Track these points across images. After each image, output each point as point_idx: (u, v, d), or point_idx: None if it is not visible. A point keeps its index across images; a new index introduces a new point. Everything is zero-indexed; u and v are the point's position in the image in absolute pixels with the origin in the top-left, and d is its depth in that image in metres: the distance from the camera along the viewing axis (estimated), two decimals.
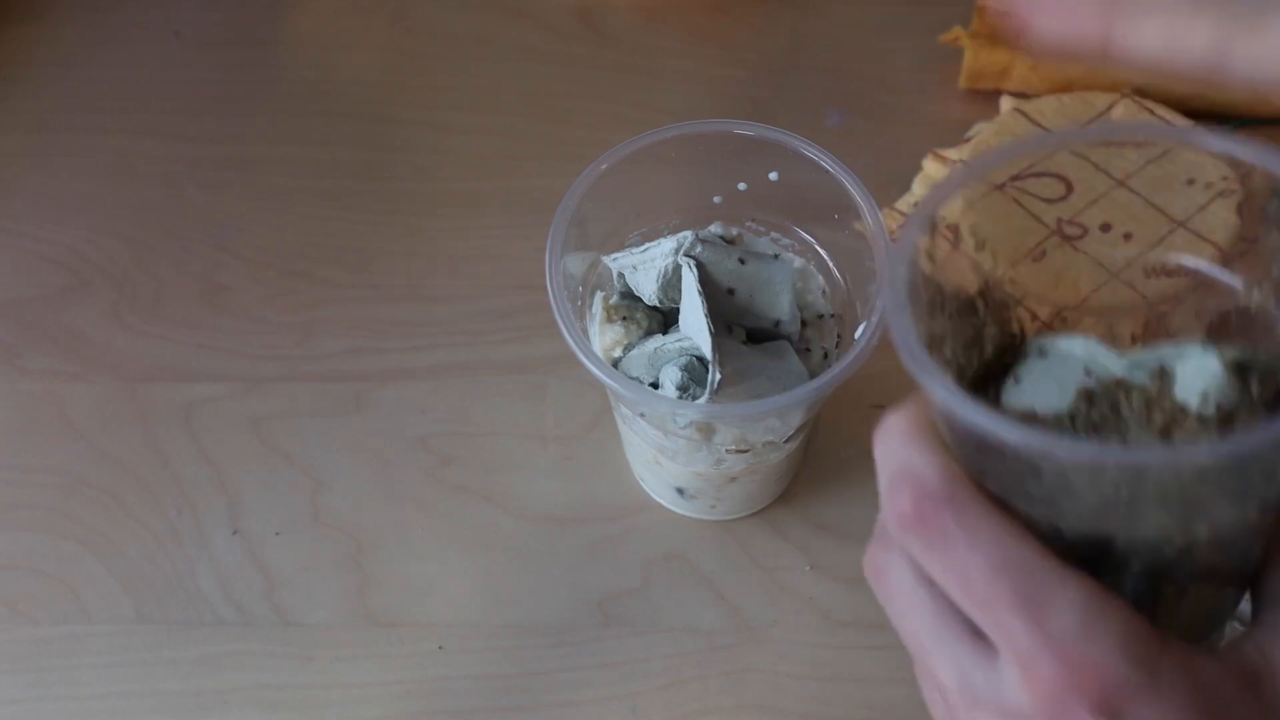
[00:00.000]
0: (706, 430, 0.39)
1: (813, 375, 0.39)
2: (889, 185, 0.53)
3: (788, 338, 0.40)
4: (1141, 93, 0.51)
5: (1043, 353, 0.31)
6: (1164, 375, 0.29)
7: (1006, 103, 0.52)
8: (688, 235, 0.39)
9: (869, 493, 0.44)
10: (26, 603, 0.44)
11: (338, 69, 0.59)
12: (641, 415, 0.39)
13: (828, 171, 0.40)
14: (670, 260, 0.38)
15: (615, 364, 0.40)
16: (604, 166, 0.40)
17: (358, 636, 0.43)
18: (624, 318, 0.40)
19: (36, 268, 0.52)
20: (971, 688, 0.27)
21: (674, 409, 0.37)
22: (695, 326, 0.37)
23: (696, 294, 0.37)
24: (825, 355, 0.41)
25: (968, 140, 0.51)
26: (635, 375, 0.39)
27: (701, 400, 0.37)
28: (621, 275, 0.41)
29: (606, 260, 0.41)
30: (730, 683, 0.41)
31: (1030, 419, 0.27)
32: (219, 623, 0.43)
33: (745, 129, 0.41)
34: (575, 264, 0.40)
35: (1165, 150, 0.48)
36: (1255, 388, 0.28)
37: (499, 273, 0.51)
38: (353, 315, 0.50)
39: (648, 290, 0.39)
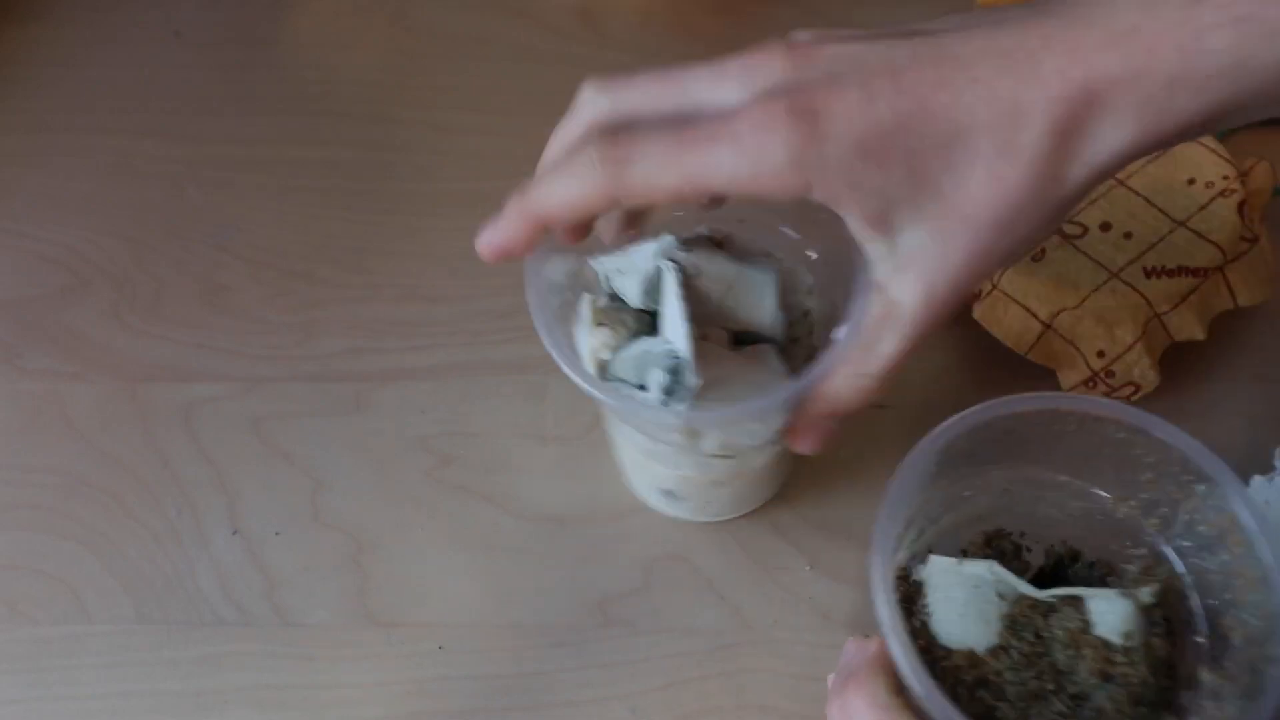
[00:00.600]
0: (691, 434, 0.39)
1: (799, 375, 0.39)
2: None
3: (772, 340, 0.40)
4: None
5: (947, 575, 0.34)
6: (1077, 605, 0.33)
7: None
8: (669, 239, 0.38)
9: (868, 492, 0.44)
10: (26, 603, 0.44)
11: (338, 69, 0.59)
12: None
13: None
14: (652, 264, 0.38)
15: (604, 366, 0.39)
16: None
17: (358, 636, 0.43)
18: (611, 321, 0.40)
19: (36, 268, 0.52)
20: None
21: (652, 415, 0.36)
22: (675, 331, 0.37)
23: (676, 299, 0.37)
24: (810, 355, 0.41)
25: None
26: (623, 377, 0.39)
27: (681, 407, 0.37)
28: (608, 278, 0.41)
29: (591, 263, 0.40)
30: (730, 683, 0.41)
31: (974, 663, 0.33)
32: (219, 623, 0.43)
33: None
34: (558, 267, 0.40)
35: (1166, 149, 0.48)
36: (1158, 616, 0.33)
37: (499, 273, 0.50)
38: (352, 315, 0.50)
39: (632, 294, 0.39)
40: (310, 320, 0.50)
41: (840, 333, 0.35)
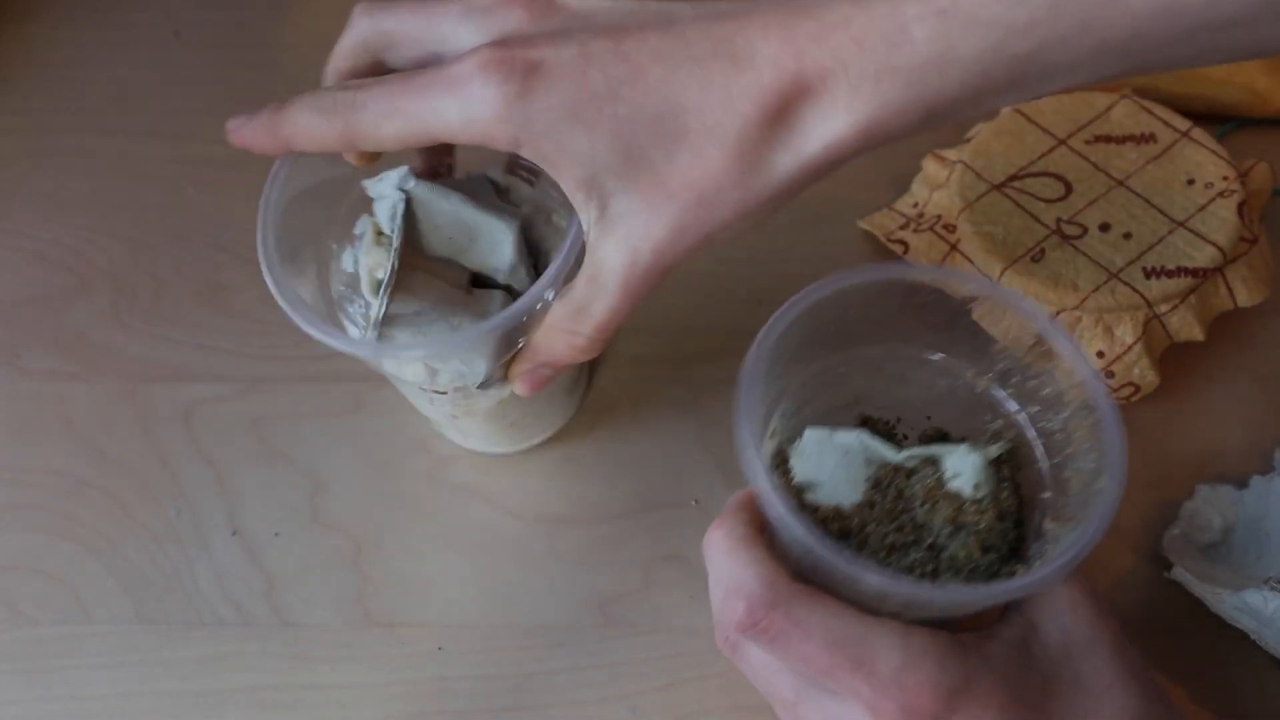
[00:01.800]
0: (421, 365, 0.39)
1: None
2: (889, 185, 0.53)
3: (508, 289, 0.40)
4: (1141, 92, 0.51)
5: (820, 444, 0.36)
6: (934, 464, 0.35)
7: None
8: (404, 169, 0.39)
9: None
10: (26, 603, 0.44)
11: None
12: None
13: None
14: (394, 193, 0.39)
15: (378, 286, 0.39)
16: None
17: (357, 637, 0.43)
18: (389, 244, 0.40)
19: (36, 268, 0.52)
20: None
21: (335, 342, 0.37)
22: (393, 260, 0.38)
23: (397, 229, 0.38)
24: None
25: (968, 140, 0.51)
26: (374, 312, 0.40)
27: (368, 336, 0.38)
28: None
29: (364, 184, 0.41)
30: (729, 683, 0.41)
31: (839, 515, 0.35)
32: (218, 623, 0.43)
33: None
34: (316, 173, 0.40)
35: (1165, 150, 0.48)
36: (1006, 472, 0.36)
37: None
38: None
39: (384, 220, 0.40)
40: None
41: (545, 282, 0.36)
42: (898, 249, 0.49)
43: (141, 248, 0.52)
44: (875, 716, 0.32)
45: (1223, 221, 0.46)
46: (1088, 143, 0.49)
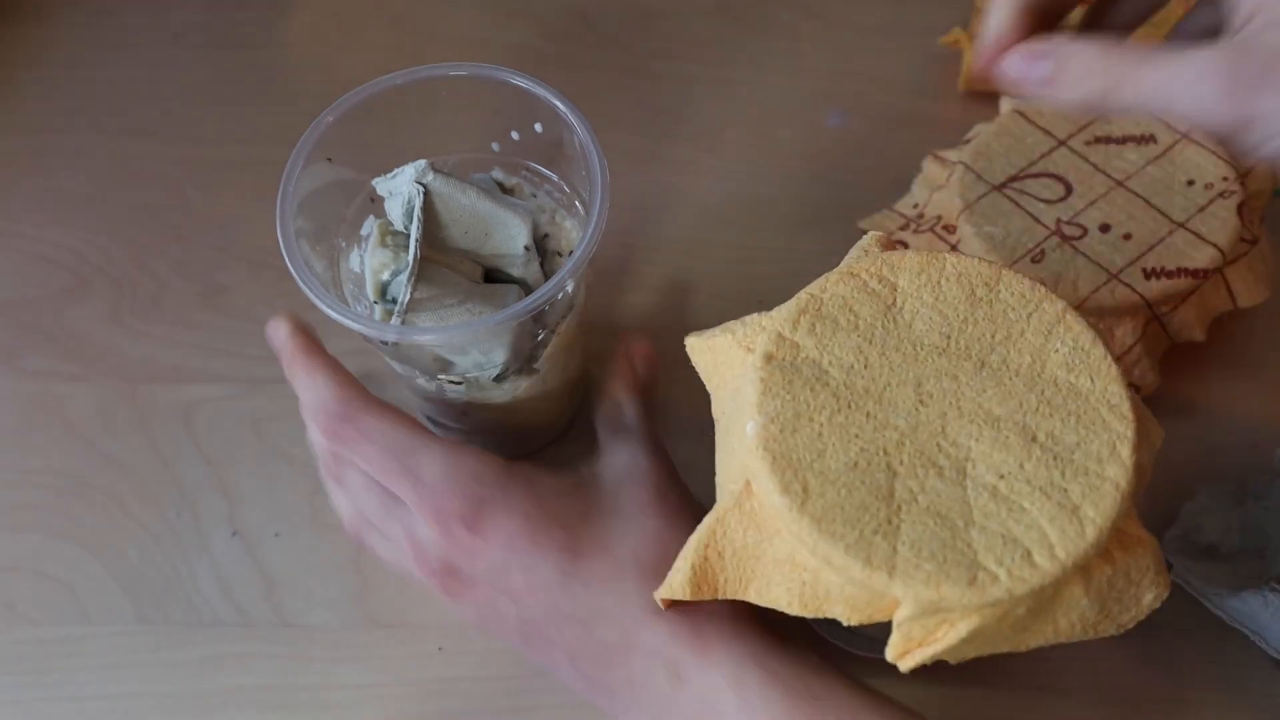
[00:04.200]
0: (429, 356, 0.40)
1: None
2: (889, 186, 0.53)
3: (523, 283, 0.41)
4: None
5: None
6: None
7: (1006, 104, 0.52)
8: (423, 163, 0.39)
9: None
10: (26, 604, 0.43)
11: (337, 70, 0.59)
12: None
13: (564, 120, 0.40)
14: (411, 188, 0.39)
15: (384, 287, 0.40)
16: (350, 103, 0.41)
17: (357, 638, 0.43)
18: (395, 244, 0.41)
19: (36, 269, 0.52)
20: (413, 537, 0.37)
21: (360, 326, 0.37)
22: (411, 250, 0.38)
23: (416, 220, 0.38)
24: (568, 310, 0.42)
25: (968, 142, 0.51)
26: (400, 299, 0.40)
27: (393, 322, 0.38)
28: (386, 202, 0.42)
29: (374, 184, 0.41)
30: None
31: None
32: (218, 624, 0.43)
33: (460, 70, 0.41)
34: (330, 184, 0.40)
35: (1165, 150, 0.48)
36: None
37: None
38: None
39: (396, 216, 0.40)
40: (310, 321, 0.50)
41: (567, 270, 0.36)
42: (900, 249, 0.49)
43: (141, 248, 0.52)
44: (423, 517, 0.36)
45: (1223, 222, 0.46)
46: (1088, 144, 0.49)
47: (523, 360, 0.41)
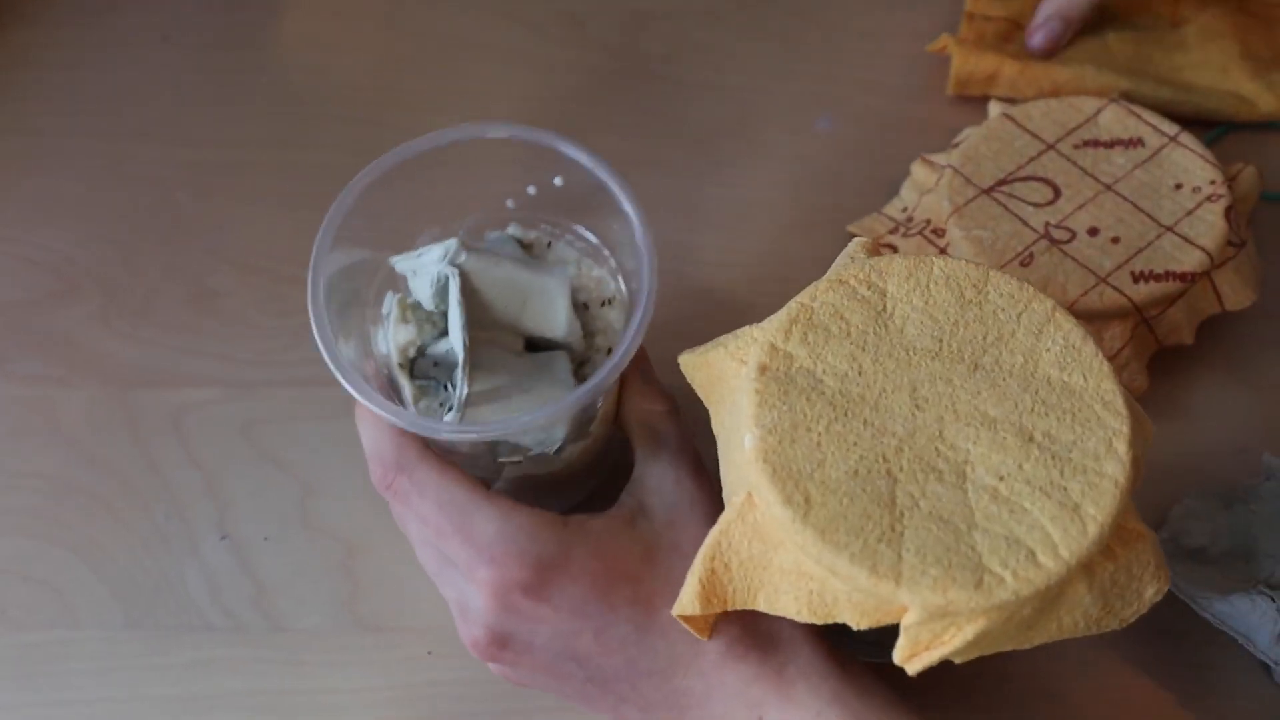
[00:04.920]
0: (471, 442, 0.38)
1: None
2: (878, 190, 0.53)
3: (566, 347, 0.40)
4: (1128, 98, 0.51)
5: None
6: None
7: (994, 108, 0.52)
8: (453, 243, 0.38)
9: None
10: (14, 608, 0.43)
11: (328, 73, 0.59)
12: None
13: (589, 170, 0.39)
14: (440, 268, 0.38)
15: (412, 364, 0.39)
16: (365, 181, 0.39)
17: (347, 642, 0.43)
18: (418, 318, 0.39)
19: (25, 272, 0.52)
20: (461, 600, 0.36)
21: (416, 426, 0.36)
22: (455, 340, 0.37)
23: (457, 306, 0.37)
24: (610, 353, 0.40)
25: (956, 145, 0.51)
26: (431, 376, 0.39)
27: (450, 416, 0.37)
28: (408, 279, 0.40)
29: (392, 262, 0.40)
30: None
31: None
32: (208, 628, 0.43)
33: (499, 131, 0.39)
34: (351, 265, 0.39)
35: (1153, 154, 0.49)
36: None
37: None
38: None
39: (424, 296, 0.39)
40: (300, 325, 0.50)
41: (631, 333, 0.36)
42: (887, 253, 0.50)
43: (131, 252, 0.52)
44: (474, 584, 0.35)
45: (1210, 226, 0.46)
46: (1076, 147, 0.49)
47: (578, 427, 0.39)
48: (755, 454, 0.30)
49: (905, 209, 0.51)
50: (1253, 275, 0.47)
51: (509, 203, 0.43)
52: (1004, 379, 0.31)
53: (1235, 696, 0.41)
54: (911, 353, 0.32)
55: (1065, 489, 0.30)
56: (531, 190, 0.42)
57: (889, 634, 0.30)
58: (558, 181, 0.41)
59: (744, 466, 0.31)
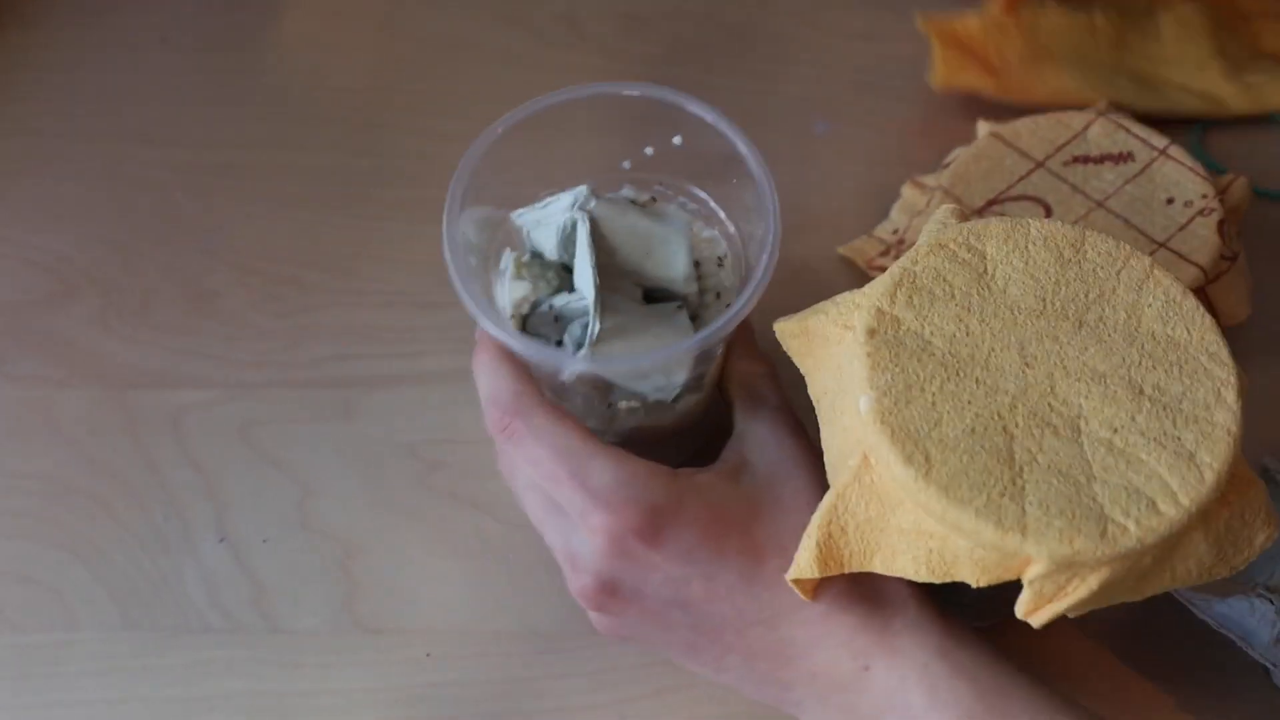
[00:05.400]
0: (597, 387, 0.39)
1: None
2: (872, 200, 0.54)
3: (684, 299, 0.41)
4: (1112, 101, 0.52)
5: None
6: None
7: (983, 127, 0.52)
8: (584, 190, 0.39)
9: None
10: (12, 609, 0.43)
11: (326, 75, 0.59)
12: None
13: (716, 129, 0.40)
14: (568, 216, 0.39)
15: (525, 320, 0.40)
16: (500, 130, 0.40)
17: (346, 643, 0.43)
18: (533, 275, 0.40)
19: (23, 273, 0.52)
20: (568, 548, 0.37)
21: (556, 359, 0.37)
22: (584, 280, 0.38)
23: (587, 248, 0.38)
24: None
25: (946, 166, 0.51)
26: (543, 333, 0.40)
27: (582, 352, 0.38)
28: (528, 232, 0.41)
29: (513, 217, 0.41)
30: (718, 691, 0.41)
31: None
32: (206, 629, 0.43)
33: (631, 89, 0.40)
34: (474, 222, 0.40)
35: (1143, 168, 0.49)
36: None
37: None
38: (341, 321, 0.50)
39: (548, 246, 0.40)
40: (298, 326, 0.50)
41: (737, 298, 0.37)
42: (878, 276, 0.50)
43: (129, 253, 0.52)
44: (587, 529, 0.35)
45: (1203, 241, 0.46)
46: (1065, 164, 0.49)
47: (694, 378, 0.40)
48: (873, 416, 0.31)
49: (896, 231, 0.52)
50: (1245, 289, 0.48)
51: (625, 164, 0.43)
52: (1109, 334, 0.32)
53: (1234, 698, 0.42)
54: (1016, 312, 0.33)
55: (1179, 439, 0.30)
56: (649, 151, 0.42)
57: (990, 599, 0.31)
58: (677, 141, 0.41)
59: (858, 429, 0.31)
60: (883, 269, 0.49)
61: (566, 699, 0.42)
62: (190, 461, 0.47)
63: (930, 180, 0.51)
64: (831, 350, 0.35)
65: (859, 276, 0.51)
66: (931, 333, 0.32)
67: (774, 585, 0.36)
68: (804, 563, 0.33)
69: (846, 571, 0.33)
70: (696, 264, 0.42)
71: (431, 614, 0.43)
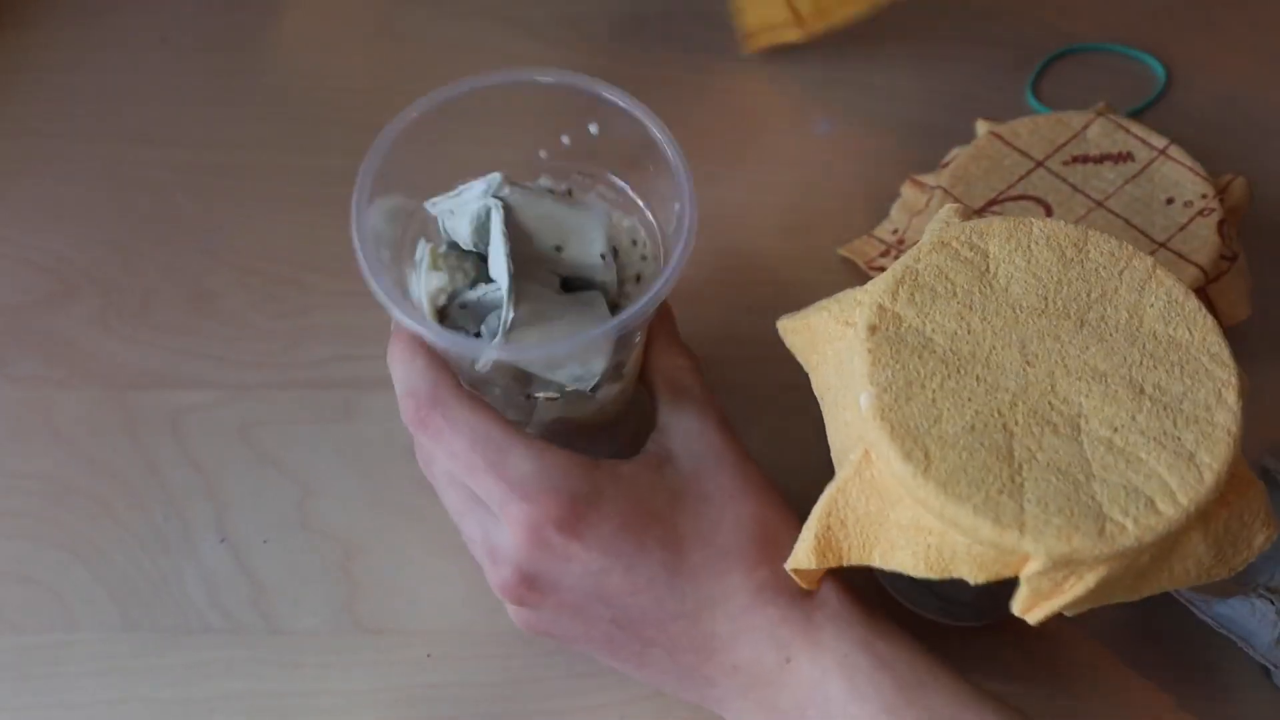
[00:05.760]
0: (515, 377, 0.39)
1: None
2: (868, 212, 0.54)
3: (602, 286, 0.40)
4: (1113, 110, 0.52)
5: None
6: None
7: (982, 127, 0.52)
8: (496, 177, 0.39)
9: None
10: (12, 610, 0.43)
11: (326, 76, 0.59)
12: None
13: (631, 116, 0.39)
14: (481, 203, 0.38)
15: (442, 313, 0.39)
16: (412, 116, 0.39)
17: (346, 644, 0.43)
18: (449, 266, 0.40)
19: (23, 274, 0.52)
20: (487, 541, 0.36)
21: (469, 348, 0.36)
22: (499, 269, 0.38)
23: (501, 236, 0.37)
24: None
25: (946, 165, 0.51)
26: (461, 325, 0.39)
27: (496, 340, 0.37)
28: (442, 221, 0.40)
29: (426, 206, 0.40)
30: None
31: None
32: (206, 630, 0.43)
33: (546, 76, 0.40)
34: (384, 212, 0.39)
35: (1143, 168, 0.49)
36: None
37: None
38: (341, 322, 0.50)
39: (463, 235, 0.39)
40: (299, 327, 0.50)
41: (670, 271, 0.36)
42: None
43: (129, 253, 0.52)
44: (508, 521, 0.35)
45: (1203, 241, 0.46)
46: (1065, 164, 0.49)
47: (614, 367, 0.40)
48: (872, 412, 0.31)
49: (895, 230, 0.52)
50: (1245, 288, 0.48)
51: (541, 153, 0.43)
52: (1110, 334, 0.33)
53: (1235, 699, 0.42)
54: (1018, 310, 0.33)
55: (1179, 439, 0.31)
56: (565, 140, 0.42)
57: (989, 596, 0.31)
58: (593, 129, 0.41)
59: (859, 425, 0.32)
60: (882, 269, 0.49)
61: (568, 700, 0.42)
62: (190, 462, 0.47)
63: (930, 180, 0.51)
64: (833, 346, 0.35)
65: (859, 277, 0.51)
66: (933, 330, 0.32)
67: (696, 578, 0.35)
68: (802, 554, 0.33)
69: (845, 564, 0.33)
70: (615, 251, 0.41)
71: (432, 614, 0.43)
